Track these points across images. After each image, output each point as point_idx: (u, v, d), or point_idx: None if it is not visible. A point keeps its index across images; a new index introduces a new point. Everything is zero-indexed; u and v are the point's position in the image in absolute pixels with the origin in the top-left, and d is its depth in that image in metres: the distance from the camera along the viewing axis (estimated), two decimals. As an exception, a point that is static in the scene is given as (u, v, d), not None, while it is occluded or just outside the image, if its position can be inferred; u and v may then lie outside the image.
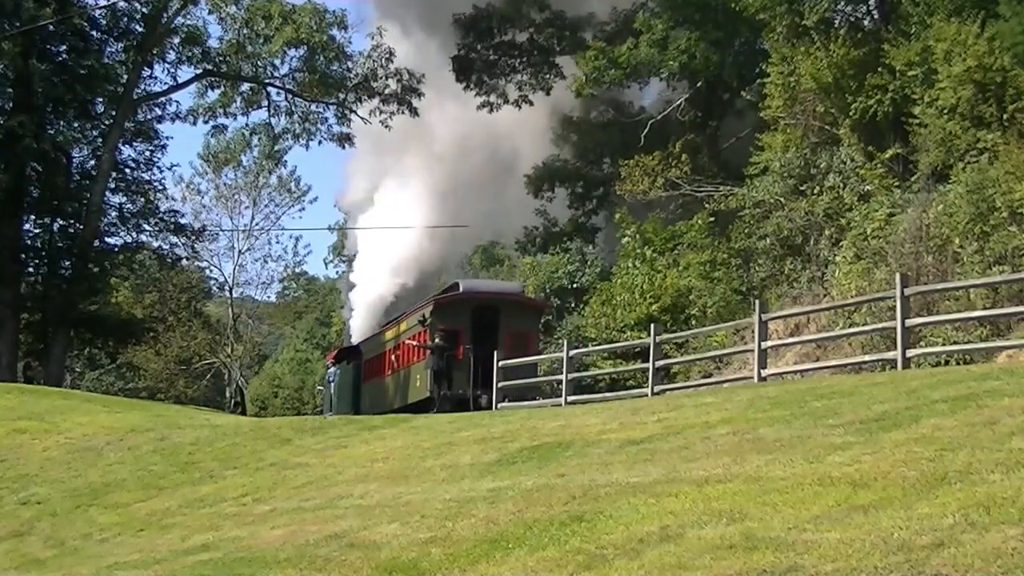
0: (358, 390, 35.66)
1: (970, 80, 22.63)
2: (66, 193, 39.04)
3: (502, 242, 55.97)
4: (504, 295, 29.02)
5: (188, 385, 64.04)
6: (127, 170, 42.26)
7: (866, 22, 29.31)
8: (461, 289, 29.15)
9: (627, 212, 35.33)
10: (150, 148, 42.91)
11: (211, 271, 66.80)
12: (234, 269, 67.56)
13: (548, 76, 42.98)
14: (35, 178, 38.53)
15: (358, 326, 55.21)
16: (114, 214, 42.00)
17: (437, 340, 25.77)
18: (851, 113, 26.07)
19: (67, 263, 39.80)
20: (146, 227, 43.02)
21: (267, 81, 43.79)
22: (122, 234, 42.42)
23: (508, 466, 10.32)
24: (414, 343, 28.57)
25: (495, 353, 24.30)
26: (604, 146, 42.08)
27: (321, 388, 48.05)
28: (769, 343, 18.89)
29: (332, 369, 40.57)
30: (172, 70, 42.94)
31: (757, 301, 20.79)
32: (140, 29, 41.08)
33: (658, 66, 36.69)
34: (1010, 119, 22.06)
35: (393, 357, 31.63)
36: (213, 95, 44.03)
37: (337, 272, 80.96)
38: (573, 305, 37.81)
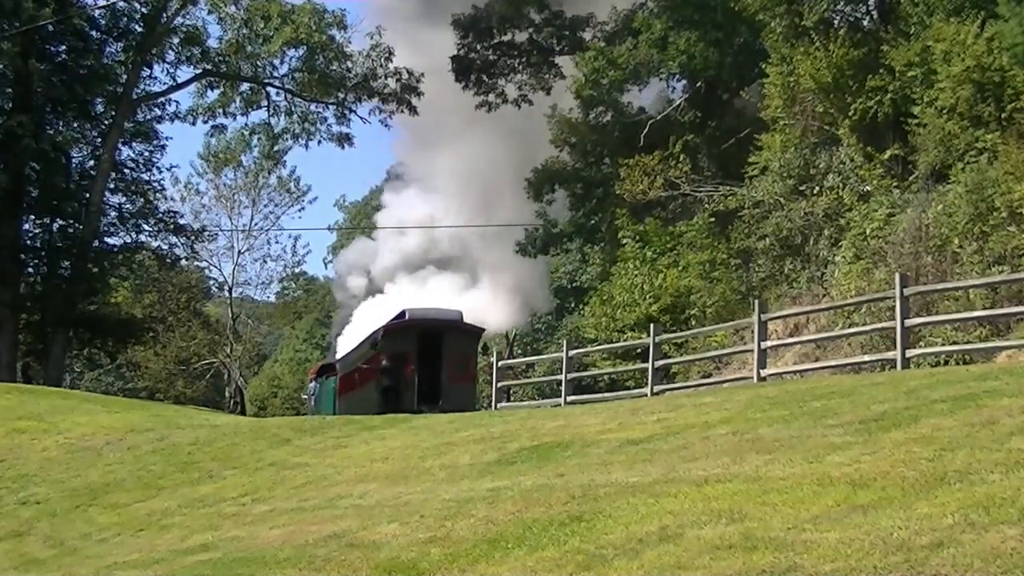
0: (335, 403, 37.07)
1: (969, 80, 22.59)
2: (65, 193, 39.03)
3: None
4: (446, 321, 31.92)
5: (187, 385, 64.09)
6: (126, 170, 42.32)
7: (865, 22, 29.25)
8: (408, 316, 31.92)
9: (627, 212, 35.30)
10: (149, 148, 42.99)
11: (210, 271, 66.82)
12: (233, 269, 67.56)
13: (548, 76, 42.96)
14: (34, 178, 38.51)
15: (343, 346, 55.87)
16: (113, 214, 42.09)
17: (385, 362, 29.28)
18: (850, 113, 26.04)
19: (66, 263, 39.81)
20: (145, 227, 43.12)
21: (266, 81, 43.78)
22: (121, 234, 42.57)
23: (507, 466, 10.32)
24: (365, 365, 31.78)
25: (440, 373, 28.76)
26: (603, 146, 42.01)
27: (305, 398, 49.25)
28: (768, 343, 18.90)
29: (312, 384, 42.58)
30: (171, 70, 43.04)
31: (757, 301, 20.79)
32: (139, 29, 41.11)
33: (658, 66, 36.66)
34: (1009, 119, 22.02)
35: (357, 376, 34.15)
36: (212, 95, 44.07)
37: (334, 271, 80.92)
38: (573, 305, 37.80)
